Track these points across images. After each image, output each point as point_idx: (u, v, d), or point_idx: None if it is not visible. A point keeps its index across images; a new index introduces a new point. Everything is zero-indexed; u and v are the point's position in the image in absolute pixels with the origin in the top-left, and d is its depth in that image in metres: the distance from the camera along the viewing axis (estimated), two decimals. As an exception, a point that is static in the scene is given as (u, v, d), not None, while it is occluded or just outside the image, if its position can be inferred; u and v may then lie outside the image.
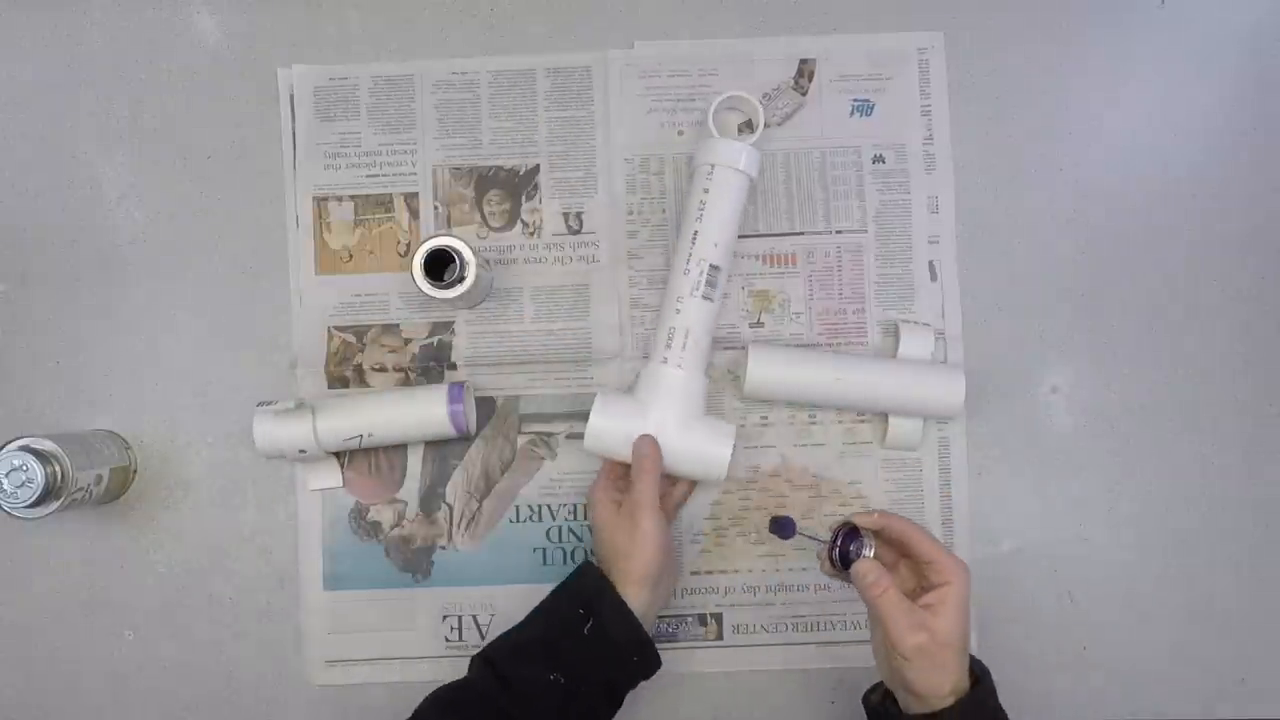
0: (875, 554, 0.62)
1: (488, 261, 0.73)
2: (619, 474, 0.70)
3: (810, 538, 0.66)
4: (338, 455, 0.73)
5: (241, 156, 0.75)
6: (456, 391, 0.70)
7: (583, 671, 0.62)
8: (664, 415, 0.68)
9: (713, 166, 0.69)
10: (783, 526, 0.66)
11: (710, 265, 0.69)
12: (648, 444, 0.67)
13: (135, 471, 0.73)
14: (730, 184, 0.69)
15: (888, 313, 0.74)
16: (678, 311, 0.69)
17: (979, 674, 0.60)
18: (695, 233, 0.69)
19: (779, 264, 0.74)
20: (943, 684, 0.57)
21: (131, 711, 0.73)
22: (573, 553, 0.74)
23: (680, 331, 0.69)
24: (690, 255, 0.69)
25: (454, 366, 0.74)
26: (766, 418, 0.74)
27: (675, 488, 0.72)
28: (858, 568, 0.61)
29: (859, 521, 0.63)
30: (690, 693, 0.73)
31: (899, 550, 0.63)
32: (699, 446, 0.69)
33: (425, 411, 0.70)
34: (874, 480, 0.74)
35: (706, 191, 0.69)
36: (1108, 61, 0.75)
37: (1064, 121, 0.75)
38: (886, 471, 0.74)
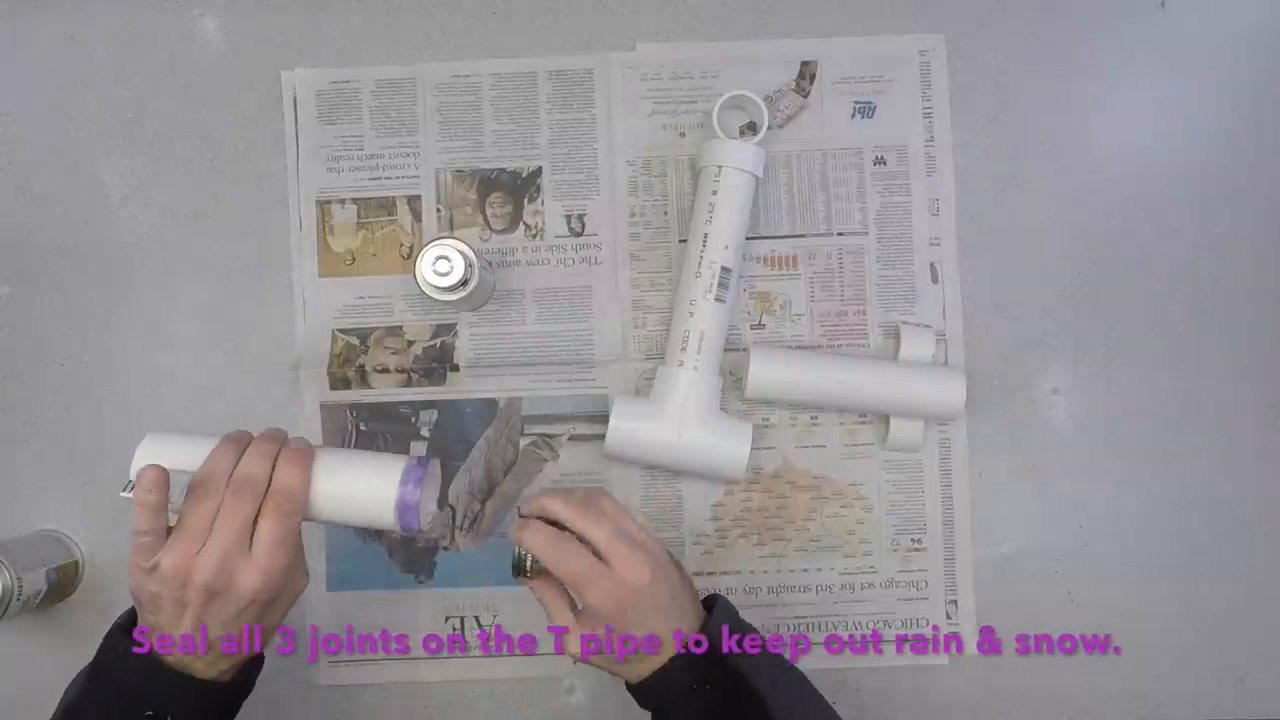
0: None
1: (490, 264, 0.73)
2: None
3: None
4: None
5: (244, 159, 0.75)
6: (417, 471, 0.57)
7: None
8: (682, 416, 0.69)
9: (720, 168, 0.70)
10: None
11: (722, 268, 0.69)
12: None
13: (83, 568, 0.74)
14: (738, 185, 0.70)
15: (889, 314, 0.74)
16: (690, 315, 0.69)
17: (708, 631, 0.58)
18: (705, 235, 0.70)
19: (780, 266, 0.75)
20: (629, 670, 0.58)
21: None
22: (575, 554, 0.74)
23: (694, 334, 0.69)
24: (701, 258, 0.69)
25: (456, 368, 0.74)
26: (768, 419, 0.74)
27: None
28: (533, 588, 0.61)
29: (526, 511, 0.60)
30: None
31: None
32: (719, 445, 0.69)
33: (369, 488, 0.57)
34: (875, 481, 0.74)
35: (715, 194, 0.69)
36: (1109, 64, 0.75)
37: (1065, 124, 0.75)
38: (888, 472, 0.74)
